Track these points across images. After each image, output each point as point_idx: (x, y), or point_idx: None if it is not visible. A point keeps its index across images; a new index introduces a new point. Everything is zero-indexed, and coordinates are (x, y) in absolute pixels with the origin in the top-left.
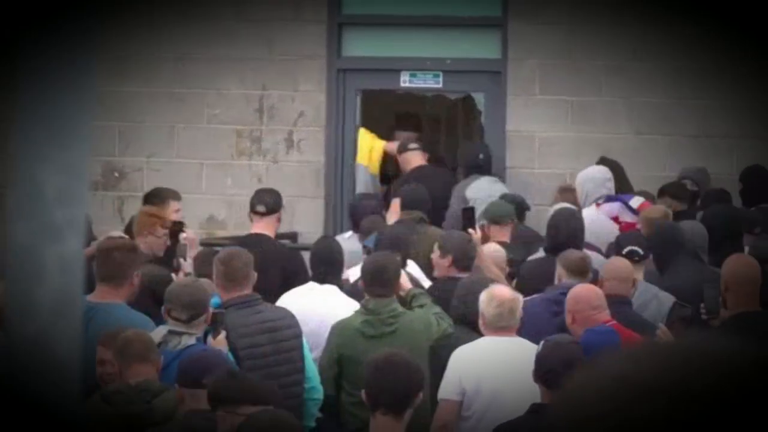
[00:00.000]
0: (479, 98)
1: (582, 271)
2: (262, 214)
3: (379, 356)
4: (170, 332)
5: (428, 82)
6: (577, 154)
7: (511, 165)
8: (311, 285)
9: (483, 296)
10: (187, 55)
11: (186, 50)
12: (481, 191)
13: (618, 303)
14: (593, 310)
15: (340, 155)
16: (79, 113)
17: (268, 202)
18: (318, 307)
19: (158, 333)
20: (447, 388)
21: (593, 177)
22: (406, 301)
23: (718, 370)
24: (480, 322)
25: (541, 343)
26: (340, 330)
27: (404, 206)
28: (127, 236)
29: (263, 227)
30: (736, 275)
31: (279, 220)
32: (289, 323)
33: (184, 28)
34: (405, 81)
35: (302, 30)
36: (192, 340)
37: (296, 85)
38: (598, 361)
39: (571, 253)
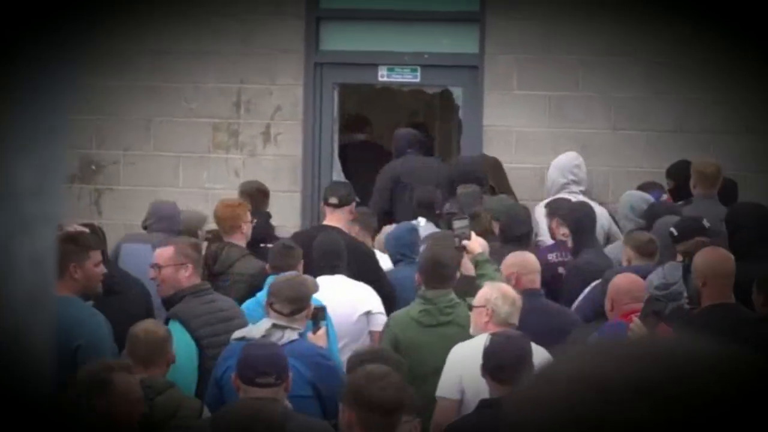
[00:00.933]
0: (457, 93)
1: (651, 253)
2: (335, 206)
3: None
4: (274, 326)
5: (406, 77)
6: (554, 149)
7: None
8: (324, 278)
9: (494, 293)
10: (165, 48)
11: (163, 44)
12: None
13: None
14: (634, 301)
15: (318, 149)
16: (56, 106)
17: (341, 195)
18: (346, 297)
19: (262, 326)
20: (446, 387)
21: (558, 163)
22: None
23: (683, 368)
24: (485, 318)
25: (488, 336)
26: (397, 319)
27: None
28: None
29: (335, 219)
30: (713, 268)
31: (351, 212)
32: (238, 313)
33: (161, 22)
34: (383, 75)
35: (280, 24)
36: (295, 335)
37: (274, 79)
38: (558, 359)
39: (640, 235)
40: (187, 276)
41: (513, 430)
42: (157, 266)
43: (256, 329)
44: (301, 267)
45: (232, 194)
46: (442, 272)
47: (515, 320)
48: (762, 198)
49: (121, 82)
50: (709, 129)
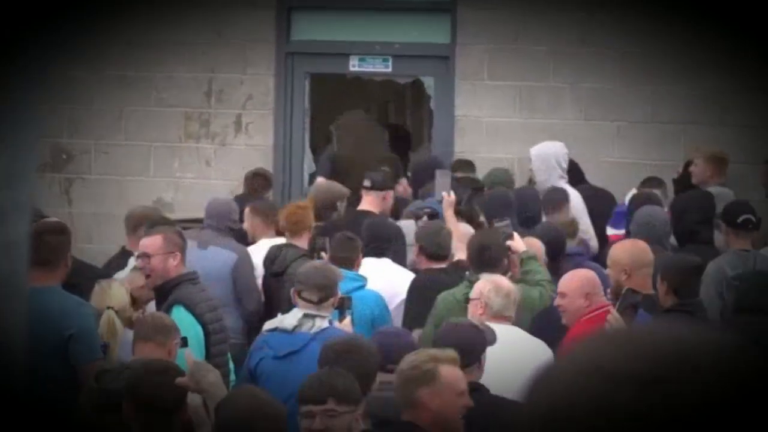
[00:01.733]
0: (428, 83)
1: (573, 233)
2: (368, 189)
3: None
4: (305, 315)
5: (377, 67)
6: (525, 140)
7: (460, 150)
8: (369, 260)
9: (488, 286)
10: (136, 38)
11: (135, 34)
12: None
13: None
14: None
15: (289, 139)
16: (26, 96)
17: (374, 179)
18: (389, 281)
19: (293, 316)
20: None
21: (555, 153)
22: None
23: (692, 358)
24: (479, 311)
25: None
26: (444, 300)
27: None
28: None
29: (369, 203)
30: (634, 260)
31: (386, 198)
32: (221, 302)
33: (132, 12)
34: (354, 65)
35: (251, 13)
36: (325, 323)
37: (245, 69)
38: (583, 351)
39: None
40: (175, 265)
41: (544, 420)
42: (146, 255)
43: (288, 319)
44: (361, 258)
45: (203, 183)
46: (487, 255)
47: (510, 313)
48: (733, 187)
49: (92, 73)
50: (680, 119)
